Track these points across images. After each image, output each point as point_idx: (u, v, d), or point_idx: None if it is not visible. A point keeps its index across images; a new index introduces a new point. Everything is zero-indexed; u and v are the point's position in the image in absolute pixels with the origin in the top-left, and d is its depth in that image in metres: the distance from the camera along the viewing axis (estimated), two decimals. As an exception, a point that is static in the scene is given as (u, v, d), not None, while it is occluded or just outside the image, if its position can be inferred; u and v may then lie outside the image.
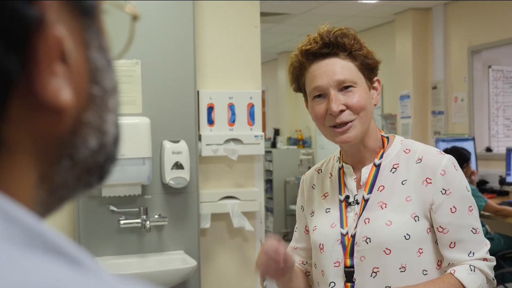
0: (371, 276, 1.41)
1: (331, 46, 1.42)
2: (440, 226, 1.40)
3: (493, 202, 4.56)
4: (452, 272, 1.39)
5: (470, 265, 1.40)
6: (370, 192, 1.45)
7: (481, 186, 5.49)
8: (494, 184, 5.62)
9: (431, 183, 1.41)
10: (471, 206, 1.42)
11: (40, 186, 0.40)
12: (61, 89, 0.38)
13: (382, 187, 1.45)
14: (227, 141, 3.26)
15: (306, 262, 1.63)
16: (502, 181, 5.45)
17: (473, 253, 1.41)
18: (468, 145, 5.25)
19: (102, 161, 0.43)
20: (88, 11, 0.41)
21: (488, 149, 6.08)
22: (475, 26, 6.11)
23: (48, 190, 0.41)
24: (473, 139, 5.67)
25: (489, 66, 6.29)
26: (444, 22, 6.47)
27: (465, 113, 6.27)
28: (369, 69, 1.45)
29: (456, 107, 6.38)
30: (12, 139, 0.37)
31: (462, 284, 1.37)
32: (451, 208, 1.39)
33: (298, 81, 1.50)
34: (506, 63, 6.32)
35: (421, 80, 6.69)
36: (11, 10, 0.35)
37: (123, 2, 0.48)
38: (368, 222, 1.42)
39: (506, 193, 5.37)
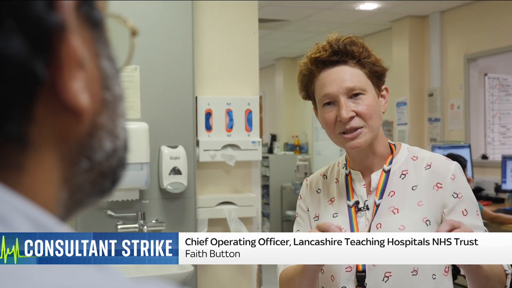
0: (383, 280, 1.41)
1: (340, 53, 1.44)
2: None
3: (489, 209, 4.58)
4: None
5: None
6: (381, 197, 1.47)
7: (477, 193, 5.51)
8: (490, 191, 5.64)
9: (441, 187, 1.44)
10: (477, 210, 1.47)
11: (62, 188, 0.42)
12: (81, 92, 0.41)
13: (393, 193, 1.47)
14: (225, 146, 3.27)
15: None
16: (498, 189, 5.47)
17: None
18: (464, 152, 5.28)
19: (115, 165, 0.46)
20: (98, 23, 0.44)
21: (484, 157, 6.11)
22: (472, 34, 6.15)
23: (68, 192, 0.43)
24: (469, 146, 5.70)
25: (485, 74, 6.33)
26: (441, 30, 6.51)
27: (461, 120, 6.30)
28: (377, 76, 1.47)
29: (452, 114, 6.41)
30: (38, 139, 0.40)
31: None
32: (463, 211, 1.43)
33: (307, 89, 1.51)
34: (502, 71, 6.36)
35: (418, 87, 6.72)
36: (36, 16, 0.38)
37: (124, 17, 0.51)
38: (380, 227, 1.44)
39: (501, 200, 5.39)
